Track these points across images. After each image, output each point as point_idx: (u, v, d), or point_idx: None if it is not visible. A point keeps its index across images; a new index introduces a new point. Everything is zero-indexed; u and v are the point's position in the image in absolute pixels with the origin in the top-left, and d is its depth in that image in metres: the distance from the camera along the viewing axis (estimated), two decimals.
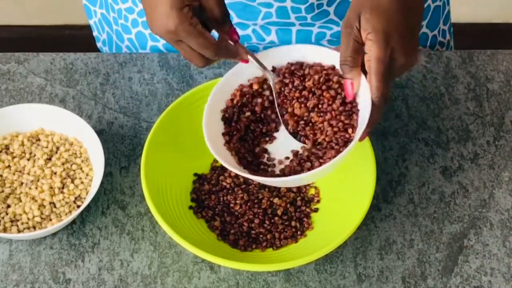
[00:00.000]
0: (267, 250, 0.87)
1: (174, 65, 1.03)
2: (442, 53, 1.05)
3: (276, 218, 0.88)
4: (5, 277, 0.86)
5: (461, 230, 0.90)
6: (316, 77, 0.83)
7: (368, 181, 0.85)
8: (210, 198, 0.90)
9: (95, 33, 1.16)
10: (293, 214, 0.89)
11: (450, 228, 0.90)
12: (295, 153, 0.84)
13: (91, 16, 1.13)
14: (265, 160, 0.85)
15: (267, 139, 0.86)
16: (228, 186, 0.90)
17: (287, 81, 0.84)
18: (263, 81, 0.86)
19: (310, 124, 0.82)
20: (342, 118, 0.81)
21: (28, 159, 0.91)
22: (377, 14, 0.77)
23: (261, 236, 0.87)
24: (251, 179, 0.89)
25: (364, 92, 0.79)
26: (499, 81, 1.02)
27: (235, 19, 1.00)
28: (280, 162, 0.85)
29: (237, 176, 0.91)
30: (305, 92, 0.83)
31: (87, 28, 1.19)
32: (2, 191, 0.89)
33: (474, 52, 1.05)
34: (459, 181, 0.94)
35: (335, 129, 0.81)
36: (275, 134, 0.86)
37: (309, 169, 0.80)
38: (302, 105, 0.83)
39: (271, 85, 0.84)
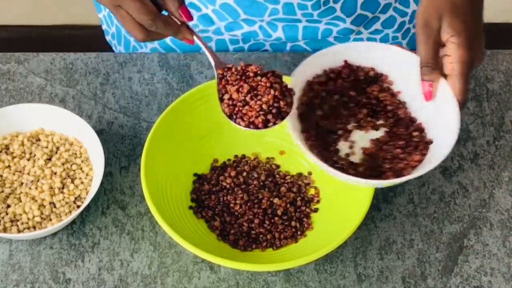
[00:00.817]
0: (267, 250, 0.87)
1: (174, 65, 1.03)
2: None
3: (276, 218, 0.88)
4: (5, 277, 0.86)
5: (461, 230, 0.90)
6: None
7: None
8: (210, 198, 0.90)
9: (104, 27, 1.16)
10: (293, 214, 0.89)
11: (450, 228, 0.90)
12: (369, 153, 0.83)
13: (100, 10, 1.13)
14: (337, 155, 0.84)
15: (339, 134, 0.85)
16: (228, 186, 0.90)
17: (229, 65, 0.83)
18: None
19: (247, 106, 0.81)
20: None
21: (28, 159, 0.91)
22: (457, 17, 0.78)
23: (261, 236, 0.87)
24: (253, 180, 0.89)
25: (444, 94, 0.80)
26: (499, 81, 1.02)
27: (241, 15, 1.00)
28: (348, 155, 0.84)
29: (237, 176, 0.91)
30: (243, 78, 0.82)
31: (87, 28, 1.19)
32: (2, 191, 0.89)
33: None
34: (459, 181, 0.94)
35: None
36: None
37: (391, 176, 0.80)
38: (240, 89, 0.81)
39: (214, 70, 0.84)
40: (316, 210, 0.90)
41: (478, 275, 0.87)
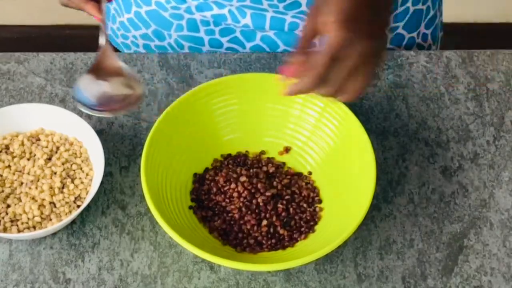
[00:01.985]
0: (267, 251, 0.87)
1: (174, 65, 1.03)
2: (442, 53, 1.05)
3: (276, 218, 0.88)
4: (5, 277, 0.86)
5: (461, 230, 0.90)
6: None
7: (368, 181, 0.85)
8: (210, 198, 0.90)
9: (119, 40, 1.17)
10: (293, 214, 0.89)
11: (450, 228, 0.90)
12: None
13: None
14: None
15: None
16: (228, 186, 0.90)
17: None
18: None
19: None
20: None
21: (28, 159, 0.91)
22: (332, 4, 0.76)
23: (260, 236, 0.87)
24: (249, 179, 0.89)
25: None
26: (499, 81, 1.02)
27: None
28: None
29: (237, 176, 0.91)
30: None
31: (87, 28, 1.19)
32: (2, 191, 0.89)
33: (474, 52, 1.05)
34: (459, 181, 0.94)
35: None
36: None
37: None
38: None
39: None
40: (316, 211, 0.90)
41: (478, 275, 0.87)
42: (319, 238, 0.86)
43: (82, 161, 0.92)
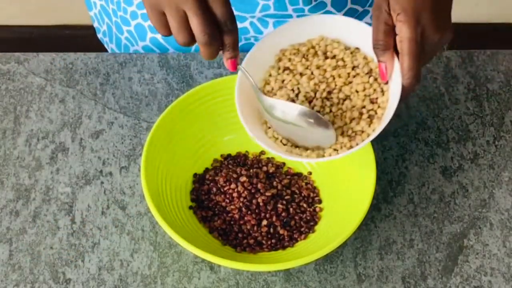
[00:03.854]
0: (267, 251, 0.87)
1: (174, 65, 1.03)
2: (442, 53, 1.05)
3: (276, 218, 0.88)
4: (5, 277, 0.86)
5: (461, 230, 0.90)
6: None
7: (368, 181, 0.85)
8: (210, 198, 0.90)
9: (95, 24, 1.16)
10: (293, 214, 0.89)
11: (450, 228, 0.90)
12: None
13: (91, 8, 1.13)
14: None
15: None
16: (228, 186, 0.90)
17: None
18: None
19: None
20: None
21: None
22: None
23: (260, 236, 0.87)
24: (250, 178, 0.89)
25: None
26: (499, 81, 1.02)
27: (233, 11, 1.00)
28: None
29: (237, 176, 0.91)
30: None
31: (87, 28, 1.19)
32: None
33: (474, 52, 1.05)
34: (459, 181, 0.94)
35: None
36: None
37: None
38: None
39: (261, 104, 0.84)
40: (316, 211, 0.90)
41: (478, 275, 0.87)
42: (319, 238, 0.86)
43: None
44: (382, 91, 0.82)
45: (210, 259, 0.80)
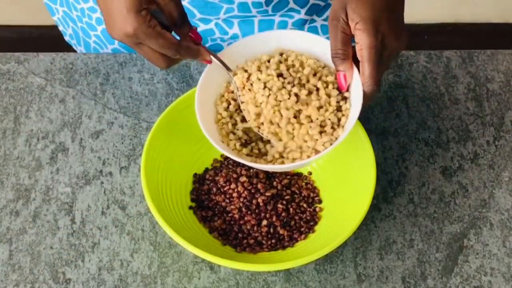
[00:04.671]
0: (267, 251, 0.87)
1: (174, 65, 1.03)
2: (442, 53, 1.05)
3: (276, 218, 0.88)
4: (5, 277, 0.86)
5: (461, 230, 0.90)
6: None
7: (368, 181, 0.85)
8: (210, 198, 0.90)
9: (60, 28, 1.16)
10: (293, 214, 0.89)
11: (450, 228, 0.90)
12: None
13: (54, 13, 1.13)
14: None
15: None
16: (228, 186, 0.90)
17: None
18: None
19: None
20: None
21: None
22: (362, 3, 0.77)
23: (260, 237, 0.87)
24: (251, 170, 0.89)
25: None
26: (499, 81, 1.02)
27: (197, 15, 1.01)
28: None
29: (237, 176, 0.91)
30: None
31: None
32: None
33: (474, 52, 1.05)
34: (459, 181, 0.94)
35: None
36: None
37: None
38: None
39: (234, 86, 0.84)
40: (316, 211, 0.90)
41: (478, 275, 0.87)
42: (319, 238, 0.86)
43: None
44: (345, 99, 0.82)
45: (210, 259, 0.80)
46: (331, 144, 0.80)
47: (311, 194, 0.91)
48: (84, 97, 1.00)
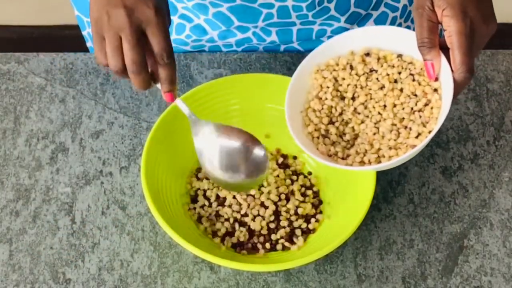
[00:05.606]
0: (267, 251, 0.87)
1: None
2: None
3: (275, 219, 0.88)
4: (5, 277, 0.86)
5: (461, 230, 0.90)
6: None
7: (368, 181, 0.85)
8: (210, 198, 0.90)
9: (88, 44, 1.15)
10: (293, 215, 0.89)
11: (450, 228, 0.90)
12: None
13: (84, 28, 1.11)
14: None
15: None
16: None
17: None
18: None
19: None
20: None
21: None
22: None
23: (261, 237, 0.87)
24: None
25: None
26: (499, 81, 1.02)
27: (235, 22, 1.00)
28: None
29: None
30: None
31: None
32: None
33: None
34: (459, 181, 0.94)
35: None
36: None
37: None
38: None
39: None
40: (316, 211, 0.90)
41: (478, 275, 0.87)
42: (319, 238, 0.86)
43: None
44: (436, 90, 0.81)
45: (210, 259, 0.80)
46: (426, 137, 0.78)
47: (311, 194, 0.91)
48: (84, 97, 1.00)
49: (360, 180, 0.86)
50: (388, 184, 0.93)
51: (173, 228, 0.81)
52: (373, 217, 0.91)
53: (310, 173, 0.93)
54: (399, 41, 0.84)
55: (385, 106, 0.82)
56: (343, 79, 0.84)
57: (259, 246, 0.87)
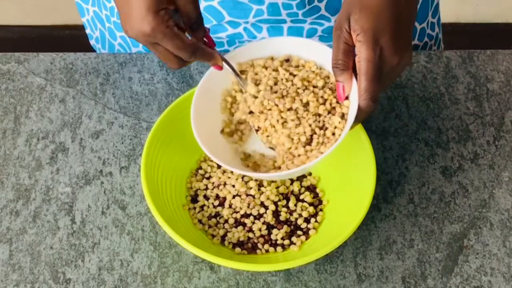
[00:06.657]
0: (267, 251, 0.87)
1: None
2: (442, 53, 1.05)
3: (274, 219, 0.88)
4: (5, 277, 0.86)
5: (461, 230, 0.90)
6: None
7: (368, 181, 0.85)
8: (210, 199, 0.90)
9: (88, 31, 1.16)
10: (293, 215, 0.89)
11: (450, 228, 0.90)
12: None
13: (84, 14, 1.13)
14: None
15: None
16: (228, 187, 0.90)
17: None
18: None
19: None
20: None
21: None
22: (365, 14, 0.76)
23: (261, 237, 0.87)
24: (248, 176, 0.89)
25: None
26: (499, 81, 1.02)
27: (226, 17, 1.00)
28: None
29: (237, 177, 0.91)
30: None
31: None
32: None
33: (474, 52, 1.05)
34: (459, 181, 0.94)
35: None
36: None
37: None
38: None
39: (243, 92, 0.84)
40: (316, 211, 0.90)
41: (478, 275, 0.87)
42: (319, 238, 0.86)
43: None
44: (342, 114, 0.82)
45: (210, 259, 0.80)
46: (321, 154, 0.80)
47: (311, 194, 0.91)
48: (84, 97, 1.00)
49: (360, 180, 0.86)
50: (388, 184, 0.93)
51: (173, 228, 0.81)
52: (373, 217, 0.91)
53: (310, 174, 0.93)
54: (320, 55, 0.84)
55: (290, 109, 0.83)
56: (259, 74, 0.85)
57: (259, 246, 0.87)
